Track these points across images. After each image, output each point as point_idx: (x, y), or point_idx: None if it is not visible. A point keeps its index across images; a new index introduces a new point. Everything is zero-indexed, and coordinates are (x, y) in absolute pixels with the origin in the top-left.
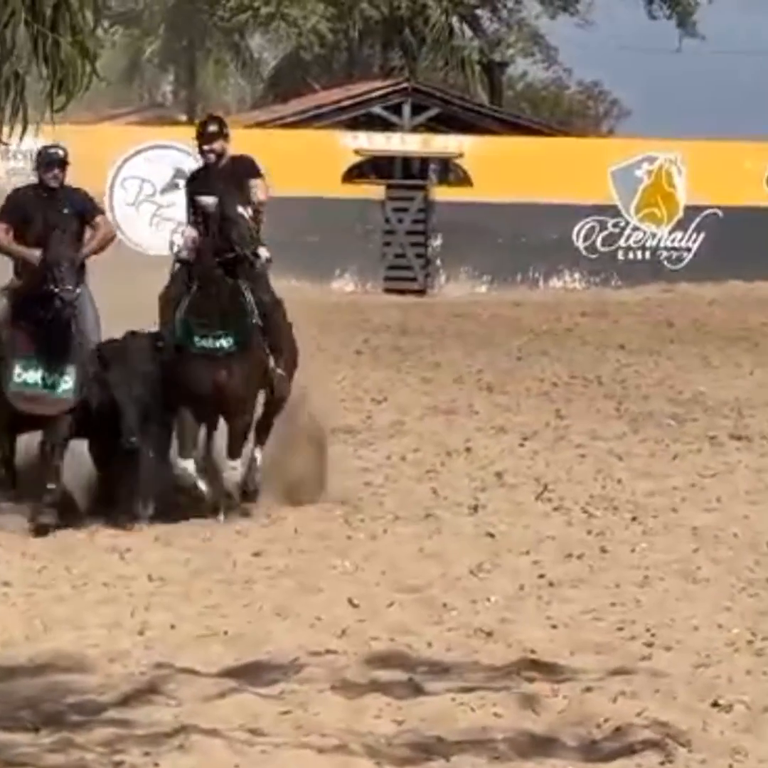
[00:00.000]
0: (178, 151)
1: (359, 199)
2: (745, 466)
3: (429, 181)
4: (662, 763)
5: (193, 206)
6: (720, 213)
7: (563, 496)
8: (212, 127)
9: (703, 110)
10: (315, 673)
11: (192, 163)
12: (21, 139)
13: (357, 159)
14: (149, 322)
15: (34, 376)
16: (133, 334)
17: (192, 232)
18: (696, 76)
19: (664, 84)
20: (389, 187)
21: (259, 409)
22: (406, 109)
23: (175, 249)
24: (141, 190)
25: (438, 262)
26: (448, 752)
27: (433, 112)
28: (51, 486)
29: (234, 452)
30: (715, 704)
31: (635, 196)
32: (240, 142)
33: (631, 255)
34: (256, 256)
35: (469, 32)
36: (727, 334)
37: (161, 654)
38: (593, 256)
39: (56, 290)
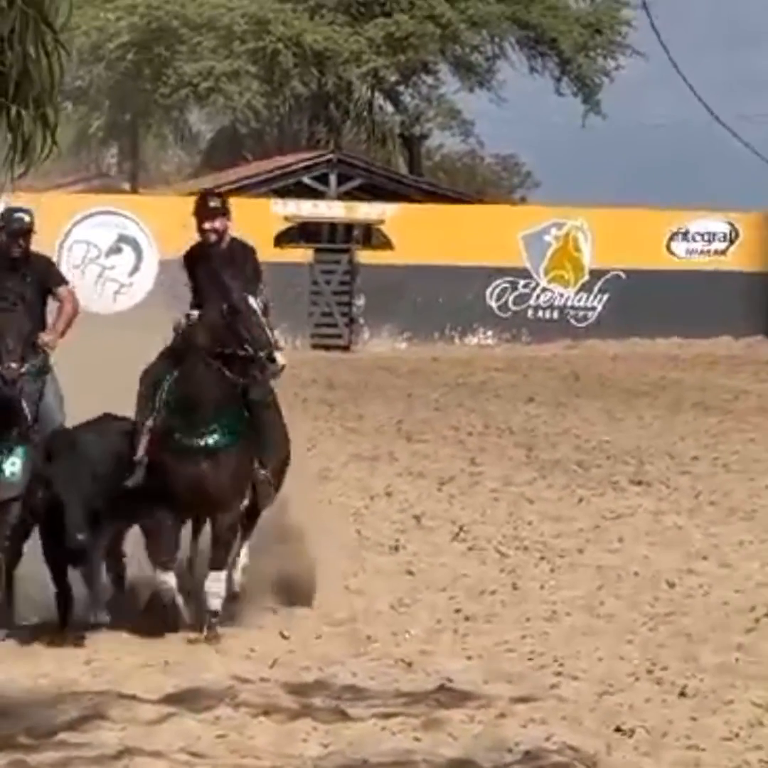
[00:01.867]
0: (121, 217)
1: (289, 263)
2: (644, 509)
3: (353, 245)
4: None
5: (196, 288)
6: (623, 275)
7: (477, 536)
8: (214, 203)
9: (608, 180)
10: (249, 700)
11: (134, 228)
12: None
13: (287, 225)
14: (97, 377)
15: None
16: (108, 417)
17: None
18: (600, 148)
19: (570, 155)
20: (317, 250)
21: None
22: (332, 179)
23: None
24: (87, 253)
25: (362, 320)
26: None
27: (357, 181)
28: None
29: (218, 563)
30: (618, 729)
31: (544, 259)
32: (179, 209)
33: (540, 314)
34: (272, 360)
35: (390, 107)
36: (629, 387)
37: (107, 682)
38: (505, 315)
39: None
